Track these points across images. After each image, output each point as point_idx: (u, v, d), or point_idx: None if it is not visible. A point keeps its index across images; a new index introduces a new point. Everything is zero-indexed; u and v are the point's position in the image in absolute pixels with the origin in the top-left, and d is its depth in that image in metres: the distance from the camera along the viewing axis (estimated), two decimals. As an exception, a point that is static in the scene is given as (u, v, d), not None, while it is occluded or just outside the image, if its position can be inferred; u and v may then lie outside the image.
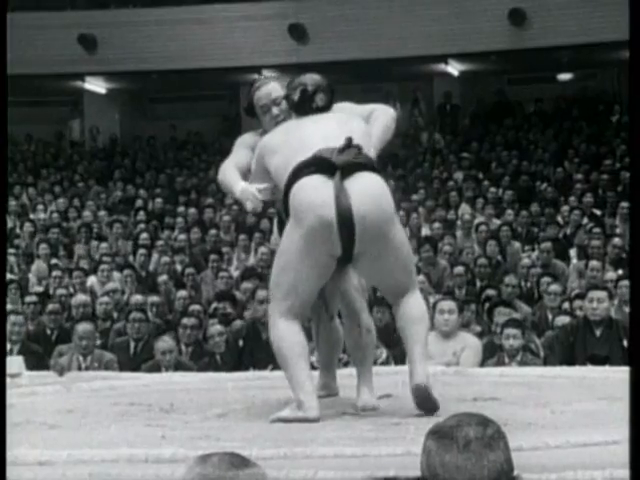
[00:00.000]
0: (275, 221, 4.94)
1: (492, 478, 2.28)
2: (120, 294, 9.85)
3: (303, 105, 4.42)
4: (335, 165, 4.16)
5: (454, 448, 2.28)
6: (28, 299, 9.25)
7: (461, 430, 2.30)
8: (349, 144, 4.21)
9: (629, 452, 2.54)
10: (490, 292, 8.76)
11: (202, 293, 10.02)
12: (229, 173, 4.48)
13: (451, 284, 9.73)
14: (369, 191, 4.19)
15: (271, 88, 4.54)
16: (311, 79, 4.47)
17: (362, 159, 4.23)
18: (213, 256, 10.94)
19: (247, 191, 4.35)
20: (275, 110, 4.49)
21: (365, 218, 4.14)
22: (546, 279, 9.05)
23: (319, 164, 4.17)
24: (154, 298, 9.13)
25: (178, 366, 6.84)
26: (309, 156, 4.20)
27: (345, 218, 4.13)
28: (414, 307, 4.37)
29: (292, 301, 4.25)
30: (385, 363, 6.65)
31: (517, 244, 11.40)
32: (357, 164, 4.20)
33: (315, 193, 4.14)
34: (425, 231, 12.15)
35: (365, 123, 4.42)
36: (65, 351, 7.38)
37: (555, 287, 8.65)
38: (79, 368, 6.82)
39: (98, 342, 8.00)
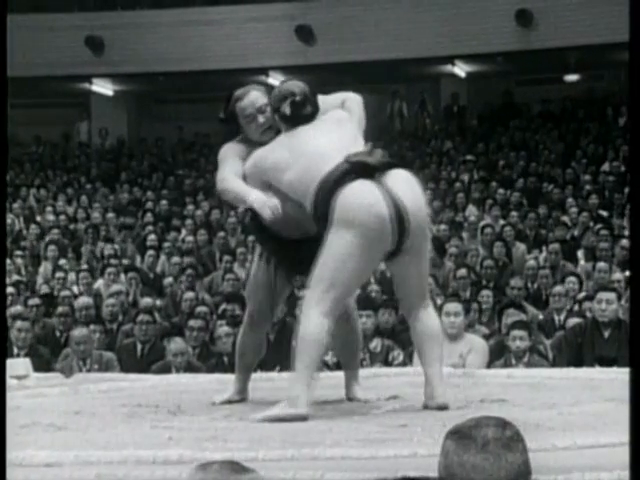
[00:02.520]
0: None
1: (510, 479, 2.28)
2: (125, 296, 9.85)
3: (295, 116, 4.42)
4: (374, 167, 4.24)
5: (472, 448, 2.29)
6: (31, 302, 9.22)
7: (480, 430, 2.31)
8: (373, 146, 4.32)
9: (629, 453, 2.53)
10: (489, 293, 8.76)
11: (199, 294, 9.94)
12: (234, 181, 4.45)
13: (455, 285, 9.73)
14: (411, 187, 4.30)
15: (254, 96, 4.52)
16: (298, 88, 4.47)
17: (389, 158, 4.32)
18: (226, 257, 10.94)
19: (263, 199, 4.34)
20: (261, 118, 4.48)
21: (416, 212, 4.25)
22: (571, 279, 9.01)
23: (358, 169, 4.22)
24: (158, 301, 9.16)
25: (188, 368, 6.85)
26: (341, 163, 4.22)
27: (399, 213, 4.20)
28: (430, 324, 4.45)
29: (334, 293, 4.25)
30: (402, 364, 6.66)
31: (522, 245, 11.40)
32: (388, 163, 4.30)
33: (365, 195, 4.19)
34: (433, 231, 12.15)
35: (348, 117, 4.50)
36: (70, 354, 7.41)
37: (560, 288, 8.64)
38: (80, 372, 6.83)
39: (105, 343, 8.02)
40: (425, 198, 4.39)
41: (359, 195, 4.19)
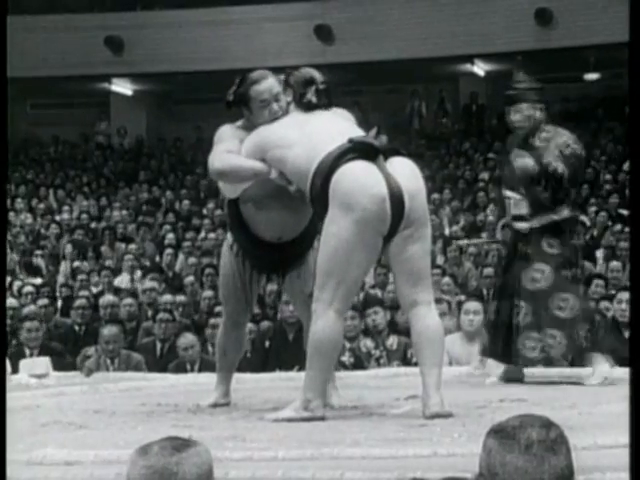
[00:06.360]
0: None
1: None
2: (155, 293, 9.84)
3: (313, 103, 4.42)
4: (377, 149, 4.21)
5: (516, 449, 2.24)
6: (40, 302, 9.11)
7: (524, 431, 2.26)
8: (379, 131, 4.29)
9: (629, 454, 2.50)
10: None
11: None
12: (235, 157, 4.40)
13: (475, 284, 9.69)
14: (412, 172, 4.27)
15: (272, 82, 4.47)
16: (319, 77, 4.47)
17: (394, 145, 4.33)
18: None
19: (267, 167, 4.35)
20: (275, 106, 4.42)
21: (414, 196, 4.20)
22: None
23: (360, 150, 4.19)
24: (181, 298, 9.14)
25: (202, 362, 6.87)
26: (344, 143, 4.20)
27: (396, 195, 4.15)
28: (431, 325, 4.28)
29: (344, 289, 4.20)
30: None
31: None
32: (391, 149, 4.28)
33: (365, 175, 4.15)
34: (451, 232, 12.13)
35: None
36: (91, 353, 7.39)
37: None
38: (107, 371, 6.83)
39: (127, 342, 8.01)
40: (425, 187, 4.32)
41: (358, 175, 4.14)
